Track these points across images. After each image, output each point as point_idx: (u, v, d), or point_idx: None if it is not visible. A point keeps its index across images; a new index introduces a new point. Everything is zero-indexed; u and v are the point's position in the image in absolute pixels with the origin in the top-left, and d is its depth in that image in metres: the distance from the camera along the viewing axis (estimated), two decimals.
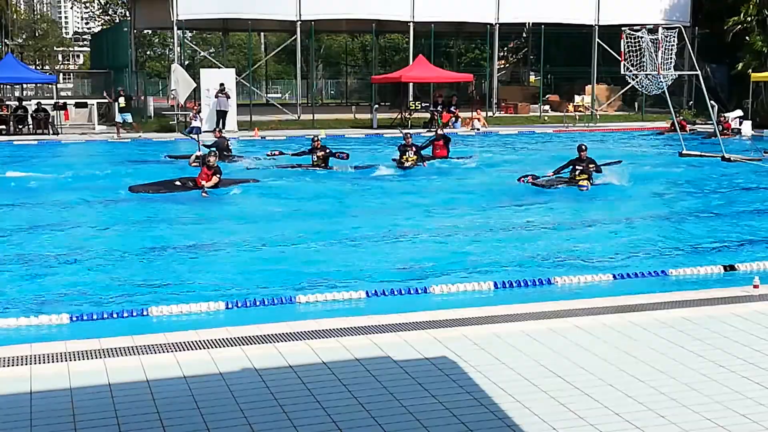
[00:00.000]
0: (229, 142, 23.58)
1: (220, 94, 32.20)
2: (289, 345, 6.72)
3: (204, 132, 31.77)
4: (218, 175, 17.08)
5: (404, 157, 20.81)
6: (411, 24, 37.30)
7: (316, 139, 21.14)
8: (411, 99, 37.31)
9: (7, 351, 6.62)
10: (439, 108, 34.95)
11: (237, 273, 10.59)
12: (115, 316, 8.26)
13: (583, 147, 17.48)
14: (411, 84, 37.78)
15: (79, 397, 5.64)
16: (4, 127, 31.85)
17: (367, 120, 35.64)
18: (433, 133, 23.69)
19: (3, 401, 5.60)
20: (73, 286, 9.97)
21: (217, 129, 24.45)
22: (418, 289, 9.22)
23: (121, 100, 31.71)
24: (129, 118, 31.47)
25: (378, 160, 22.15)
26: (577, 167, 17.37)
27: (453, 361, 6.36)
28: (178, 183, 16.97)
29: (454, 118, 34.90)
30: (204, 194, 16.53)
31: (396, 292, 9.07)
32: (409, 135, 21.61)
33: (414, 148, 21.02)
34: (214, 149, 19.33)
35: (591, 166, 17.33)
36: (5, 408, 5.47)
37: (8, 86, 42.31)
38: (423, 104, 35.98)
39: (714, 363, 6.31)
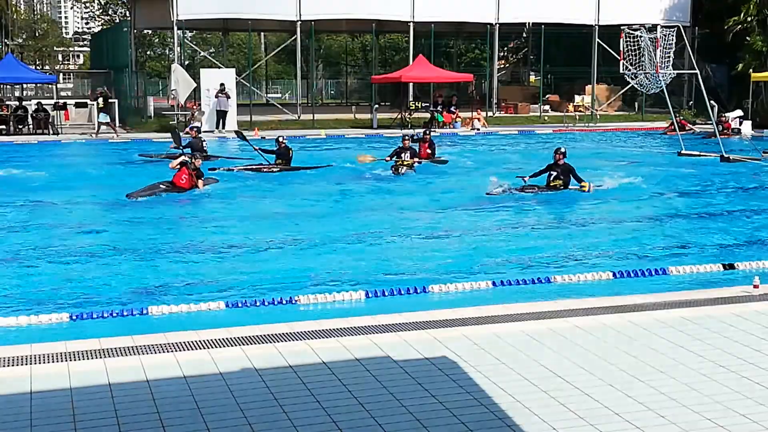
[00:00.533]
0: (204, 142, 23.44)
1: (220, 94, 32.23)
2: (289, 345, 6.72)
3: (204, 132, 31.86)
4: (202, 179, 17.10)
5: (399, 160, 20.44)
6: (411, 24, 37.31)
7: (282, 139, 21.19)
8: (411, 99, 37.33)
9: (7, 351, 6.63)
10: (439, 108, 34.99)
11: (236, 273, 10.59)
12: (115, 315, 8.26)
13: (561, 150, 16.73)
14: (411, 84, 37.80)
15: (79, 397, 5.64)
16: (4, 127, 31.86)
17: (367, 120, 35.65)
18: (421, 133, 23.29)
19: (3, 401, 5.60)
20: (72, 285, 9.98)
21: (194, 129, 24.25)
22: (418, 289, 9.21)
23: (100, 100, 31.88)
24: (107, 118, 31.46)
25: (338, 161, 22.07)
26: (552, 172, 16.73)
27: (453, 361, 6.36)
28: (163, 186, 16.79)
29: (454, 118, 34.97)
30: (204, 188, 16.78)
31: (396, 292, 9.07)
32: (407, 137, 21.37)
33: (410, 151, 20.74)
34: (191, 151, 19.21)
35: (567, 176, 16.60)
36: (5, 408, 5.47)
37: (8, 86, 42.30)
38: (423, 104, 36.01)
39: (714, 363, 6.31)
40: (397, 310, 7.85)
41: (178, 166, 17.20)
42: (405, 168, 20.18)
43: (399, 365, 6.26)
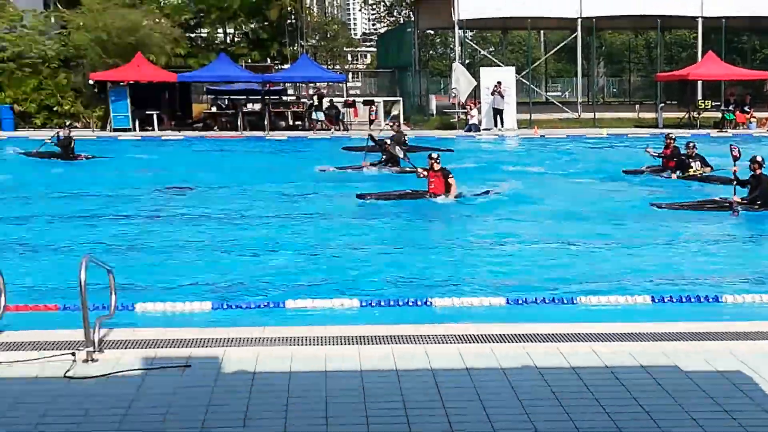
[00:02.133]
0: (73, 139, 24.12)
1: (495, 93, 32.30)
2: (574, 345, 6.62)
3: (484, 129, 32.27)
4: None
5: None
6: (699, 19, 35.48)
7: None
8: (700, 98, 35.46)
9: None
10: (731, 107, 33.02)
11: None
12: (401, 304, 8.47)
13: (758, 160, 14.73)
14: (699, 82, 35.92)
15: (369, 379, 5.89)
16: (300, 122, 34.12)
17: (652, 119, 34.37)
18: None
19: (319, 378, 5.98)
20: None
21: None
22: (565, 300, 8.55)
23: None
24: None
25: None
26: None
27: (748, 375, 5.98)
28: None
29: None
30: None
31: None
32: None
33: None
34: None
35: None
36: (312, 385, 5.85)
37: (303, 84, 45.14)
38: (713, 103, 34.06)
39: None
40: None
41: (425, 172, 15.94)
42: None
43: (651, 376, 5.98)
